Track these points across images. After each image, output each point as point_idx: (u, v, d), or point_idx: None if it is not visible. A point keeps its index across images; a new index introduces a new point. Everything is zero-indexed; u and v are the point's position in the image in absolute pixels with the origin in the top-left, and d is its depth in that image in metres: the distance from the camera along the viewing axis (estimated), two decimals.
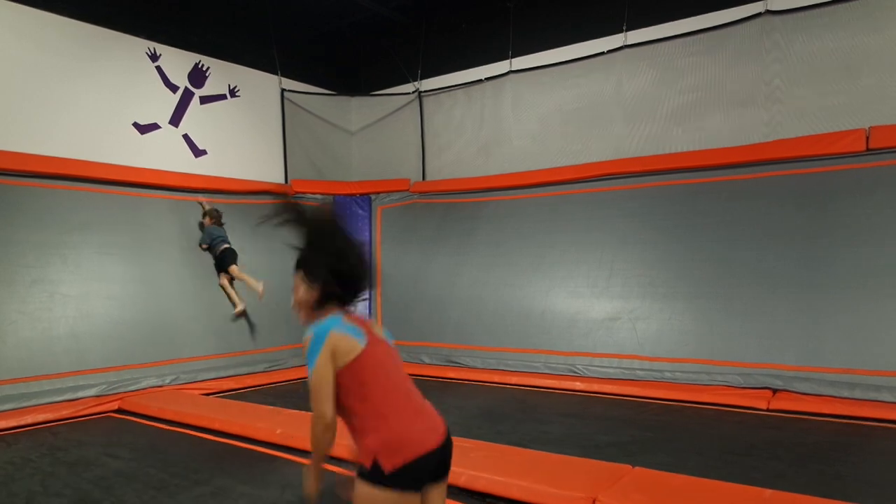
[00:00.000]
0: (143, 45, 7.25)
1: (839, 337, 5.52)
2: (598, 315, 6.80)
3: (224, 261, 7.33)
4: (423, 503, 1.96)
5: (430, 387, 6.73)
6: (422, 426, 1.95)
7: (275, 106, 8.70)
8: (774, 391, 5.54)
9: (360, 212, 8.80)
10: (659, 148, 6.97)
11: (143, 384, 6.18)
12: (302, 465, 4.03)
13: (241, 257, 7.47)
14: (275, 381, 7.10)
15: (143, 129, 7.27)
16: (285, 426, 4.60)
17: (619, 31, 7.27)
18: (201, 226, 7.47)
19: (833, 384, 5.31)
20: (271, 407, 5.41)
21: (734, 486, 3.25)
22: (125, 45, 7.08)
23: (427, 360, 7.60)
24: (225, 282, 7.38)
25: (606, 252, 6.95)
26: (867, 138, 5.73)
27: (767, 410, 5.27)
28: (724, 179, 6.46)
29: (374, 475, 1.85)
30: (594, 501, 3.12)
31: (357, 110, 9.32)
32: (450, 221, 8.29)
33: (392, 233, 8.68)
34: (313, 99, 9.07)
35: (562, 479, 3.35)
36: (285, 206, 2.07)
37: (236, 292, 7.39)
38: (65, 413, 5.43)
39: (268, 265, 7.57)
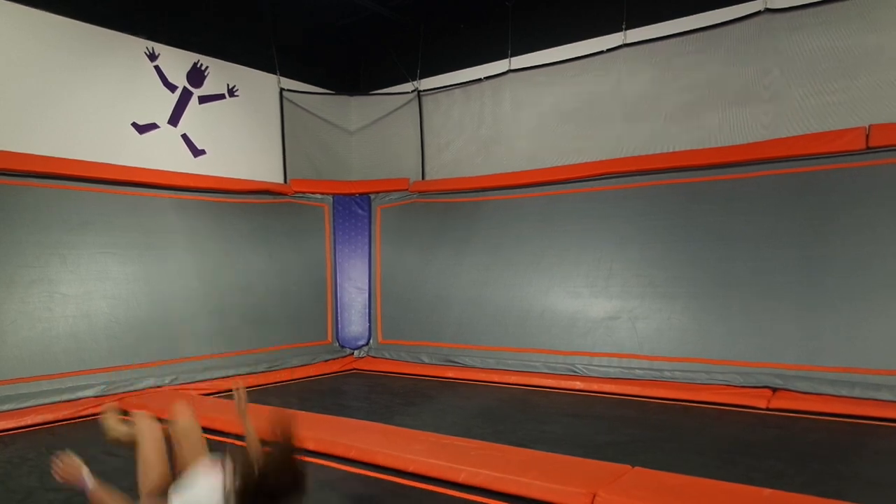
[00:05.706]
0: (141, 45, 7.24)
1: (839, 335, 5.52)
2: (598, 314, 6.80)
3: None
4: None
5: (429, 386, 6.74)
6: None
7: (274, 105, 8.69)
8: (774, 390, 5.53)
9: (360, 211, 8.79)
10: (658, 147, 6.96)
11: (143, 384, 6.18)
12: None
13: (239, 258, 7.46)
14: (275, 380, 7.09)
15: (142, 128, 7.26)
16: None
17: (619, 30, 7.26)
18: None
19: (833, 383, 5.30)
20: (272, 407, 5.39)
21: (733, 485, 3.25)
22: (124, 44, 7.07)
23: (427, 360, 7.59)
24: None
25: (605, 251, 6.95)
26: (867, 136, 5.72)
27: (767, 409, 5.27)
28: (724, 178, 6.45)
29: None
30: (594, 497, 3.12)
31: (356, 110, 9.31)
32: (449, 221, 8.28)
33: (391, 232, 8.67)
34: (312, 98, 9.06)
35: (562, 478, 3.35)
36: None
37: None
38: (65, 413, 5.42)
39: (265, 267, 7.59)
